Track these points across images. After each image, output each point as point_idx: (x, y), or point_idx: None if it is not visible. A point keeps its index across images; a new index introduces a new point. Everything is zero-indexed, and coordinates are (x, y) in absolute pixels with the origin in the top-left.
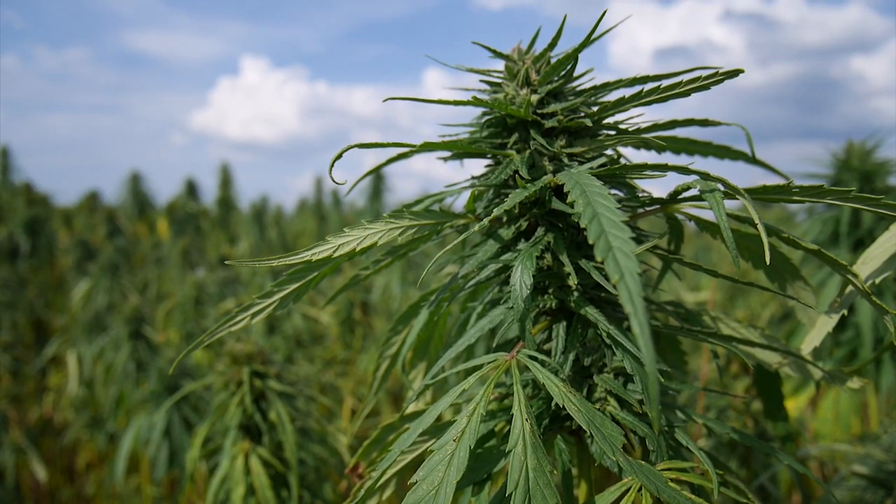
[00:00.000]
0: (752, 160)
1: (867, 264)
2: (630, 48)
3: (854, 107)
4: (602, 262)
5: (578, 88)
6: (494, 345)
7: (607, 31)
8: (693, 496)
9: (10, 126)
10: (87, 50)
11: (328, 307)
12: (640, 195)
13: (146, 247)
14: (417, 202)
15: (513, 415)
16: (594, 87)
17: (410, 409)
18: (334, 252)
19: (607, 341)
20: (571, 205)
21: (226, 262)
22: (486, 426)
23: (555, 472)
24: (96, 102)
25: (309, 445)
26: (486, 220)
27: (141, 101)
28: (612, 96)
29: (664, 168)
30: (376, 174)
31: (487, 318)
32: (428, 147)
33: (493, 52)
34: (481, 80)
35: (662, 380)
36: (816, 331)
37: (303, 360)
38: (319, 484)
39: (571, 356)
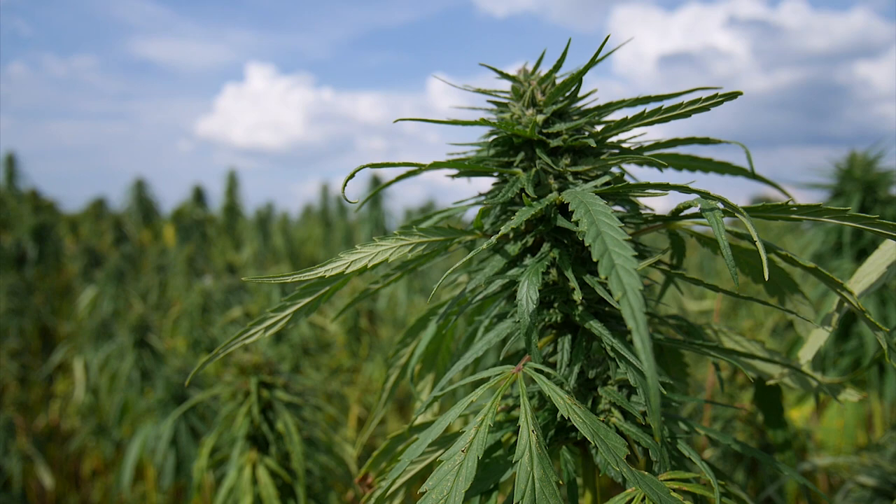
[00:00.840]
0: (752, 176)
1: (860, 282)
2: (634, 55)
3: (859, 112)
4: (603, 277)
5: (583, 108)
6: (501, 357)
7: (610, 53)
8: None
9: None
10: (95, 57)
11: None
12: (643, 212)
13: (152, 254)
14: (426, 218)
15: (519, 426)
16: (598, 108)
17: (419, 420)
18: (347, 268)
19: (611, 354)
20: (576, 223)
21: (243, 279)
22: (494, 437)
23: (560, 482)
24: (103, 109)
25: (316, 455)
26: (493, 238)
27: (147, 109)
28: (616, 115)
29: (666, 187)
30: (374, 182)
31: (494, 332)
32: (437, 166)
33: (500, 73)
34: (488, 101)
35: (665, 392)
36: (810, 343)
37: (309, 368)
38: (326, 493)
39: (576, 369)
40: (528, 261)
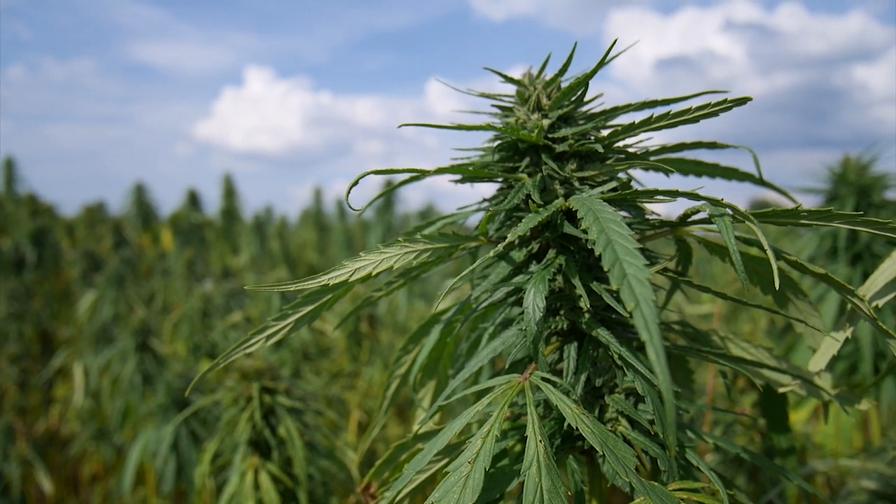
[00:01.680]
0: (760, 182)
1: (871, 288)
2: (632, 59)
3: (857, 116)
4: (615, 287)
5: (588, 112)
6: (507, 365)
7: (616, 56)
8: None
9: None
10: (93, 61)
11: (334, 320)
12: (650, 217)
13: (151, 258)
14: (428, 224)
15: (527, 436)
16: (604, 112)
17: (423, 428)
18: (350, 276)
19: (618, 362)
20: (584, 230)
21: (245, 287)
22: (499, 446)
23: (569, 492)
24: (102, 113)
25: (317, 461)
26: (500, 246)
27: (146, 112)
28: (622, 118)
29: (675, 194)
30: (388, 185)
31: (499, 340)
32: (441, 171)
33: (505, 77)
34: (493, 105)
35: (674, 402)
36: (822, 352)
37: (310, 373)
38: (327, 499)
39: (583, 377)
40: (533, 267)
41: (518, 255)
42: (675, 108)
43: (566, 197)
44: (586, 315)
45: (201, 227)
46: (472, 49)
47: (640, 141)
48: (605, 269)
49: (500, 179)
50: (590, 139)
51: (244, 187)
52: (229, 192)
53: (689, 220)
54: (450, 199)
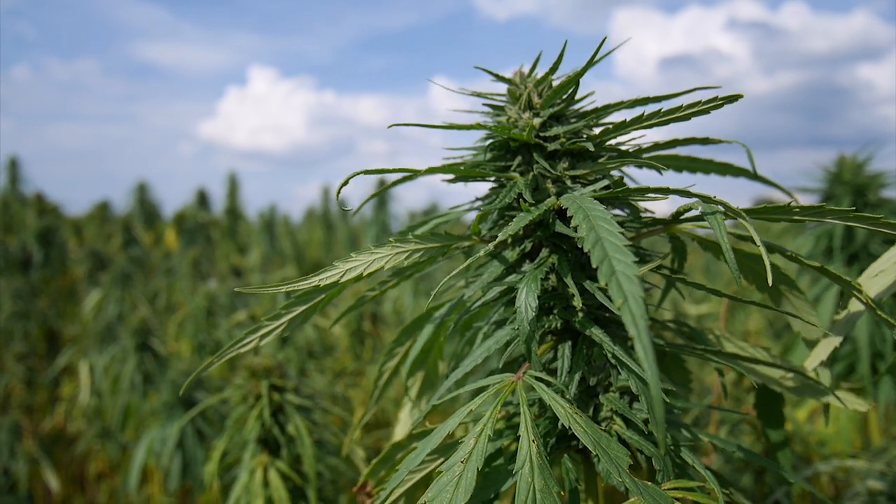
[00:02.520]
0: (754, 177)
1: (871, 280)
2: (635, 57)
3: (861, 115)
4: (604, 284)
5: (580, 111)
6: (500, 364)
7: (607, 54)
8: None
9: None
10: (98, 61)
11: (339, 328)
12: (643, 215)
13: (156, 257)
14: (422, 223)
15: (520, 436)
16: (596, 110)
17: (418, 428)
18: (342, 277)
19: (612, 361)
20: (575, 228)
21: (236, 289)
22: (493, 445)
23: (562, 492)
24: (106, 112)
25: (326, 458)
26: (491, 245)
27: (150, 111)
28: (614, 116)
29: (666, 192)
30: (381, 185)
31: (493, 339)
32: (432, 171)
33: (496, 75)
34: (484, 104)
35: (667, 399)
36: (820, 349)
37: (315, 371)
38: (336, 496)
39: (577, 376)
40: (526, 266)
41: (511, 255)
42: (667, 104)
43: (558, 195)
44: (580, 314)
45: (206, 225)
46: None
47: (633, 139)
48: (594, 265)
49: (492, 178)
50: (581, 137)
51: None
52: (233, 190)
53: (682, 217)
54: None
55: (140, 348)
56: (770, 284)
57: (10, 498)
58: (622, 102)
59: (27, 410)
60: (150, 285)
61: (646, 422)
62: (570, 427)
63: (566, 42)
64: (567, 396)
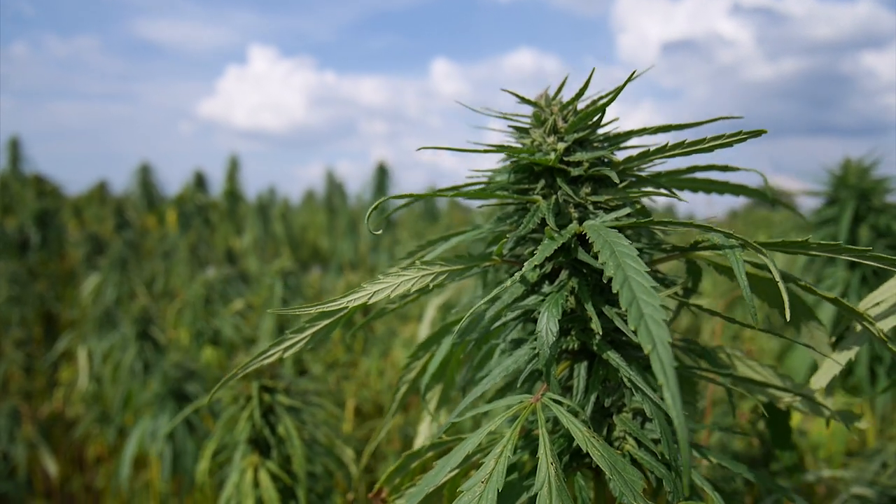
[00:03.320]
0: (771, 200)
1: (872, 310)
2: (638, 41)
3: (864, 103)
4: (633, 328)
5: (604, 135)
6: (519, 384)
7: (628, 81)
8: None
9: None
10: (97, 38)
11: None
12: (663, 245)
13: (154, 239)
14: (443, 238)
15: (537, 452)
16: (618, 135)
17: (422, 436)
18: (370, 298)
19: (627, 384)
20: (601, 263)
21: (268, 311)
22: (510, 460)
23: None
24: (105, 91)
25: (317, 458)
26: (517, 276)
27: (149, 90)
28: (636, 140)
29: (688, 225)
30: (380, 169)
31: (512, 358)
32: (459, 194)
33: (521, 98)
34: (510, 126)
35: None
36: (824, 371)
37: (308, 361)
38: (327, 495)
39: (592, 398)
40: (546, 288)
41: (532, 276)
42: (690, 133)
43: (580, 221)
44: (597, 336)
45: (205, 208)
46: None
47: (654, 165)
48: (623, 307)
49: (514, 201)
50: (605, 164)
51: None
52: (233, 172)
53: (700, 246)
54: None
55: (140, 336)
56: (788, 319)
57: (10, 483)
58: (645, 129)
59: (26, 396)
60: (148, 269)
61: (655, 441)
62: (587, 450)
63: (593, 70)
64: (582, 417)
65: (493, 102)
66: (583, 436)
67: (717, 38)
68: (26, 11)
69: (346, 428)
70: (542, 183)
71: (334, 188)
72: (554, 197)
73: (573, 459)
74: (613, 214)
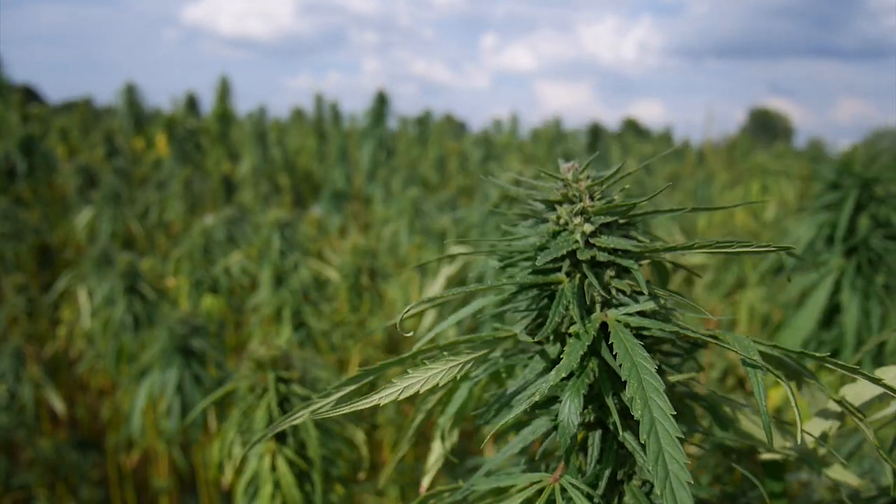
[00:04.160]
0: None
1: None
2: None
3: (870, 24)
4: (658, 492)
5: (630, 221)
6: (537, 456)
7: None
8: None
9: None
10: None
11: (333, 269)
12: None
13: (146, 165)
14: (475, 339)
15: None
16: (644, 214)
17: (435, 454)
18: (400, 395)
19: (640, 462)
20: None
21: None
22: None
23: None
24: None
25: (329, 443)
26: (551, 381)
27: None
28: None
29: (712, 337)
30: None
31: (531, 428)
32: (487, 289)
33: (551, 175)
34: (536, 199)
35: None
36: (816, 423)
37: (311, 315)
38: (339, 476)
39: (607, 472)
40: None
41: (553, 351)
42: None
43: (603, 306)
44: (614, 415)
45: (196, 132)
46: None
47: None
48: (650, 461)
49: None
50: (629, 255)
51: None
52: (224, 94)
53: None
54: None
55: (129, 291)
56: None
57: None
58: (672, 210)
59: (30, 338)
60: (141, 200)
61: None
62: None
63: (624, 163)
64: (598, 492)
65: (490, 12)
66: None
67: None
68: None
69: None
70: (567, 263)
71: (324, 110)
72: (577, 275)
73: None
74: (638, 307)
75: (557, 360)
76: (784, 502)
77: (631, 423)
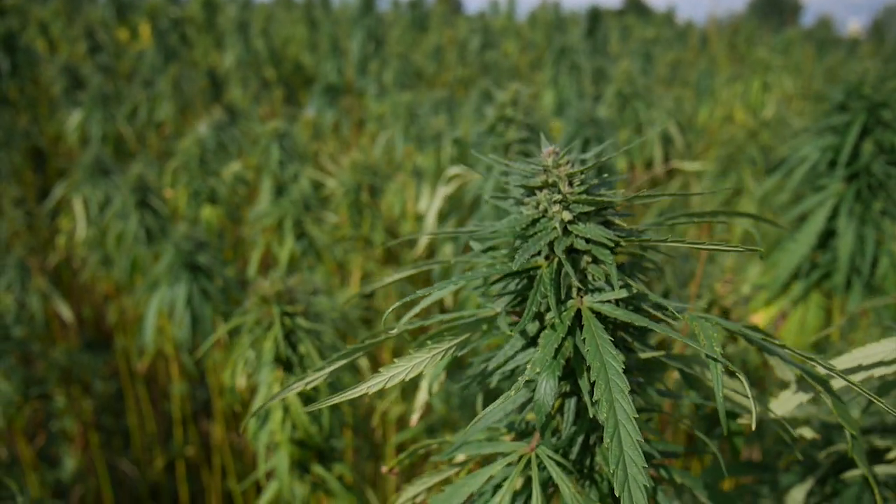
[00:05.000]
0: (755, 217)
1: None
2: None
3: None
4: (617, 493)
5: (607, 209)
6: (516, 424)
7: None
8: None
9: None
10: None
11: (335, 182)
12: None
13: (131, 58)
14: (454, 321)
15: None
16: (623, 216)
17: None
18: (387, 383)
19: None
20: (595, 394)
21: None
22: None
23: None
24: None
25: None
26: (527, 375)
27: None
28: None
29: (675, 336)
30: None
31: (511, 401)
32: (467, 281)
33: (531, 161)
34: (517, 185)
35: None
36: (781, 401)
37: (311, 224)
38: (342, 404)
39: (580, 439)
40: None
41: (531, 328)
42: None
43: (580, 290)
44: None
45: (180, 22)
46: None
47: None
48: (611, 464)
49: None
50: (606, 245)
51: None
52: None
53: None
54: None
55: (140, 205)
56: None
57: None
58: (654, 196)
59: (32, 251)
60: (129, 98)
61: None
62: None
63: (608, 144)
64: (570, 457)
65: None
66: (570, 493)
67: None
68: None
69: (354, 290)
70: (545, 248)
71: None
72: (555, 259)
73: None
74: (613, 295)
75: (536, 337)
76: (740, 440)
77: None
